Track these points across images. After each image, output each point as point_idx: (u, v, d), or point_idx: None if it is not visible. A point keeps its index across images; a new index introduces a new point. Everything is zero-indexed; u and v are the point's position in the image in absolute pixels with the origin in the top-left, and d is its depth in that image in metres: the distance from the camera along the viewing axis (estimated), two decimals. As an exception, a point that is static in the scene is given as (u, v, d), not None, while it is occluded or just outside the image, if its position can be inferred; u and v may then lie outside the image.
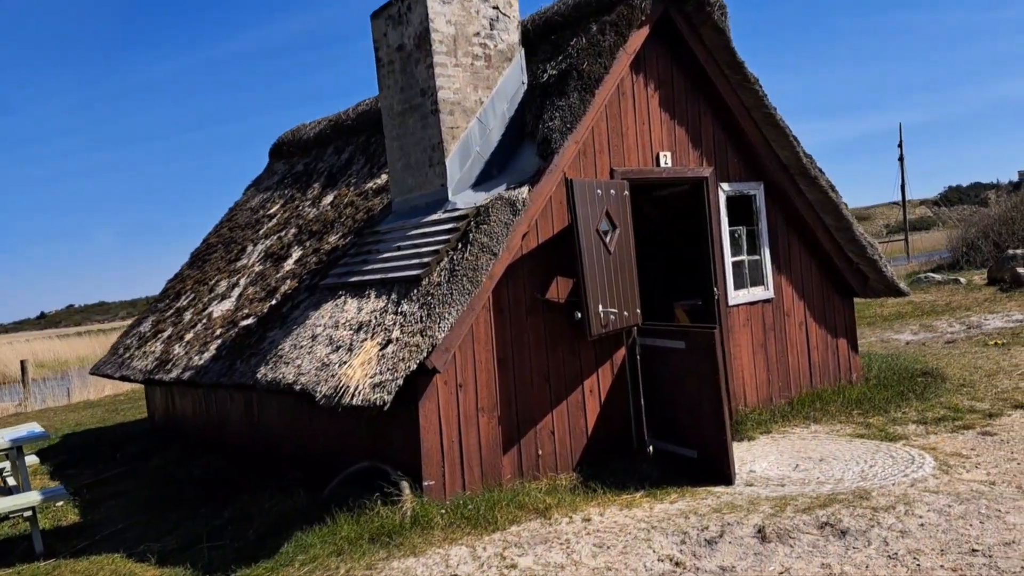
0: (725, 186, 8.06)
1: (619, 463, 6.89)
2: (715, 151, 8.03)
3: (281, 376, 6.17)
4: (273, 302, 8.04)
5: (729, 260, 8.06)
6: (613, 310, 6.55)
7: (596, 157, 7.07)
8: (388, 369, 5.40)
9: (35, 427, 8.10)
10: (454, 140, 6.72)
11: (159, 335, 10.33)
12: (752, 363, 8.22)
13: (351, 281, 6.70)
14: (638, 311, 7.03)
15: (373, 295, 6.25)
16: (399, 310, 5.85)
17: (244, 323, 8.12)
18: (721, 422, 6.31)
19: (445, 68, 6.69)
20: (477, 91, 6.89)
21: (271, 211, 11.12)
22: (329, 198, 9.57)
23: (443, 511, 5.56)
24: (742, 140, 8.16)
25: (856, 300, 9.52)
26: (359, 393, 5.34)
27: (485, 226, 5.96)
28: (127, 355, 10.77)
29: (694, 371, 6.53)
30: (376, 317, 5.95)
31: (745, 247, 8.30)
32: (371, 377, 5.39)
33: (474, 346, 6.24)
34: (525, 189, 6.35)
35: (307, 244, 8.82)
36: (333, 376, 5.60)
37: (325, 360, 5.90)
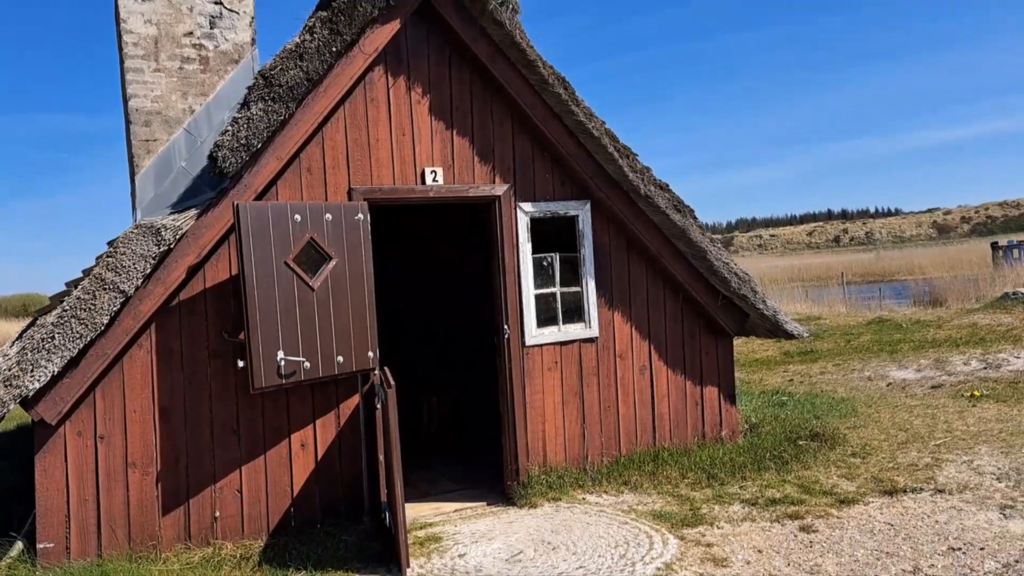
0: (527, 206, 6.82)
1: (328, 531, 5.95)
2: (516, 166, 6.81)
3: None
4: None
5: (531, 292, 6.84)
6: (300, 359, 5.59)
7: (328, 174, 6.10)
8: (-46, 422, 4.77)
9: None
10: (149, 154, 5.97)
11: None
12: (560, 414, 6.96)
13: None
14: (371, 354, 6.04)
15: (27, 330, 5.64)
16: (6, 351, 5.21)
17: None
18: (392, 493, 5.25)
19: (141, 74, 5.95)
20: (187, 98, 6.09)
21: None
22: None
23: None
24: (555, 153, 6.88)
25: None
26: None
27: (111, 259, 5.18)
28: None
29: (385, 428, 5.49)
30: (-3, 357, 5.34)
31: (558, 277, 7.02)
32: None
33: (125, 392, 5.50)
34: (188, 214, 5.52)
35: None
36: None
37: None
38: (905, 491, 6.37)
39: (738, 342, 16.39)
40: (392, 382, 5.29)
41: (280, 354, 5.53)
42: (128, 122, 5.96)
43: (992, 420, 8.19)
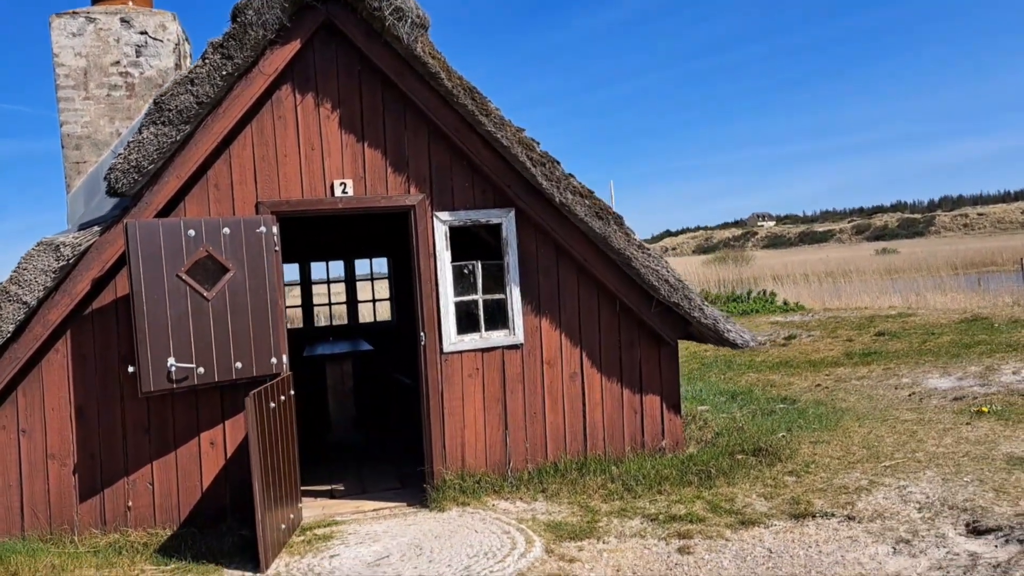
0: (445, 215, 6.92)
1: (231, 526, 6.37)
2: (433, 175, 6.92)
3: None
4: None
5: (449, 299, 6.95)
6: (192, 365, 6.01)
7: (235, 189, 6.47)
8: None
9: None
10: (79, 175, 6.57)
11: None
12: (480, 420, 7.05)
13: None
14: (274, 360, 6.39)
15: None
16: (-66, 356, 5.93)
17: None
18: (254, 497, 5.56)
19: (72, 102, 6.54)
20: (114, 122, 6.64)
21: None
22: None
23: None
24: (472, 162, 6.94)
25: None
26: None
27: (15, 273, 5.79)
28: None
29: (261, 438, 5.82)
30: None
31: (480, 284, 7.08)
32: None
33: (44, 392, 6.13)
34: (93, 231, 6.04)
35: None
36: None
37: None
38: (815, 516, 6.02)
39: (801, 343, 15.58)
40: (272, 390, 5.60)
41: (171, 361, 5.97)
42: (62, 146, 6.57)
43: (971, 441, 7.49)
